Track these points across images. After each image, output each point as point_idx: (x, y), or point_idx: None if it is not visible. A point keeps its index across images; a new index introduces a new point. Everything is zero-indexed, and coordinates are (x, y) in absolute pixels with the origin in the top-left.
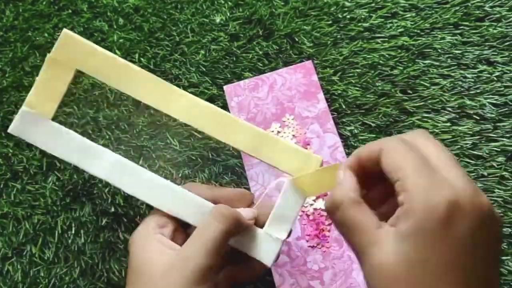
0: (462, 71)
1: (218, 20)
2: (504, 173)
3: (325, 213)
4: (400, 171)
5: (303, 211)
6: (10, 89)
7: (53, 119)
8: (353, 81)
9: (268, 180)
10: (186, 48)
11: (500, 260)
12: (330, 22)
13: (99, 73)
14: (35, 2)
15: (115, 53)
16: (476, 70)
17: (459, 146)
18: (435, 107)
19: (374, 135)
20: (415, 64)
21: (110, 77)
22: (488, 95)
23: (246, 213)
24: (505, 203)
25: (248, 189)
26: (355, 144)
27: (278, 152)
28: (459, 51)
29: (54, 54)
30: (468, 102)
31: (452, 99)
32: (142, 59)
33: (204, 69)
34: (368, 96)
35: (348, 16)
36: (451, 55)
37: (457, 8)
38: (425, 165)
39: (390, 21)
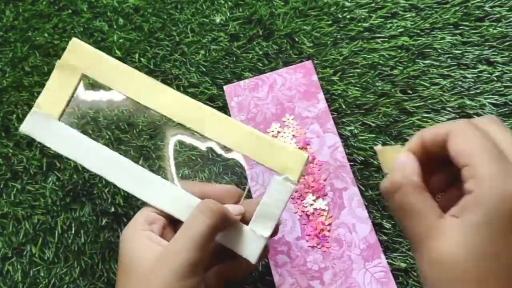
0: (462, 71)
1: (218, 20)
2: None
3: (325, 213)
4: (469, 156)
5: (303, 211)
6: (10, 89)
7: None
8: (353, 81)
9: (268, 180)
10: (186, 48)
11: None
12: (330, 22)
13: (103, 78)
14: (35, 2)
15: (115, 53)
16: (476, 70)
17: None
18: (435, 107)
19: (374, 135)
20: (415, 64)
21: (114, 81)
22: (488, 95)
23: (233, 208)
24: None
25: (248, 189)
26: (355, 144)
27: (265, 149)
28: (459, 51)
29: (63, 60)
30: (468, 102)
31: (452, 99)
32: (142, 59)
33: (204, 69)
34: (368, 96)
35: (348, 16)
36: (451, 55)
37: (457, 8)
38: (497, 152)
39: (390, 21)
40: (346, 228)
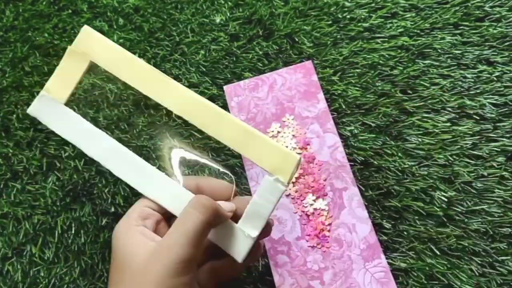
0: (462, 71)
1: (218, 20)
2: (504, 173)
3: (325, 213)
4: None
5: (303, 211)
6: (10, 89)
7: (66, 104)
8: (353, 81)
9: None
10: (186, 48)
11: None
12: (330, 22)
13: (111, 67)
14: (35, 2)
15: None
16: (476, 70)
17: (459, 146)
18: (435, 107)
19: (374, 135)
20: (415, 64)
21: (121, 71)
22: (488, 95)
23: (225, 205)
24: (505, 203)
25: (248, 189)
26: (355, 144)
27: (259, 148)
28: (459, 51)
29: (74, 46)
30: (468, 102)
31: (452, 99)
32: (142, 59)
33: (204, 69)
34: (368, 96)
35: (348, 16)
36: (451, 55)
37: (457, 8)
38: None
39: (390, 21)
40: (346, 228)
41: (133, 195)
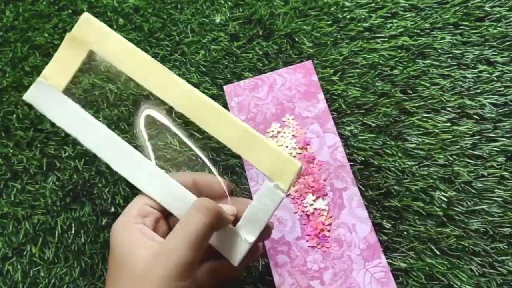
0: (462, 71)
1: (218, 20)
2: (504, 173)
3: (325, 213)
4: None
5: (303, 211)
6: (10, 89)
7: (64, 92)
8: (353, 81)
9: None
10: (186, 48)
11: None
12: (330, 22)
13: (111, 56)
14: (35, 2)
15: None
16: (476, 70)
17: (459, 146)
18: (435, 107)
19: (374, 135)
20: (415, 64)
21: (121, 61)
22: (488, 95)
23: (226, 208)
24: (505, 203)
25: (248, 189)
26: (355, 144)
27: (260, 152)
28: (459, 51)
29: (73, 33)
30: (468, 102)
31: (452, 99)
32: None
33: (204, 69)
34: (368, 96)
35: (348, 16)
36: (451, 55)
37: (457, 8)
38: None
39: (390, 21)
40: (346, 228)
41: (133, 195)
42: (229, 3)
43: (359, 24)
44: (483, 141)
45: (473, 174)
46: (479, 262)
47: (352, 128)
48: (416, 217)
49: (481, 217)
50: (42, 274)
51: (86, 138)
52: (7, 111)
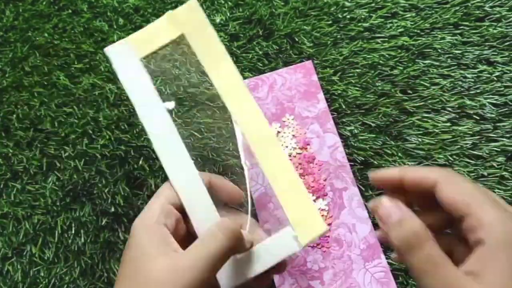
0: (462, 71)
1: (218, 20)
2: (504, 173)
3: (325, 213)
4: (469, 206)
5: None
6: (10, 89)
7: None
8: (353, 81)
9: (268, 180)
10: (186, 48)
11: None
12: (330, 22)
13: (197, 47)
14: (35, 2)
15: None
16: (476, 70)
17: (459, 146)
18: (435, 107)
19: (374, 135)
20: (415, 64)
21: (205, 56)
22: (488, 95)
23: (245, 235)
24: None
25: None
26: (355, 144)
27: (295, 198)
28: (459, 51)
29: (175, 12)
30: (468, 102)
31: (452, 99)
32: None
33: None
34: (368, 96)
35: (348, 16)
36: (451, 55)
37: (457, 8)
38: (493, 199)
39: (390, 21)
40: (346, 228)
41: (133, 195)
42: (229, 3)
43: (359, 24)
44: (483, 141)
45: (473, 174)
46: None
47: (352, 128)
48: None
49: None
50: (42, 274)
51: (142, 109)
52: (7, 111)
